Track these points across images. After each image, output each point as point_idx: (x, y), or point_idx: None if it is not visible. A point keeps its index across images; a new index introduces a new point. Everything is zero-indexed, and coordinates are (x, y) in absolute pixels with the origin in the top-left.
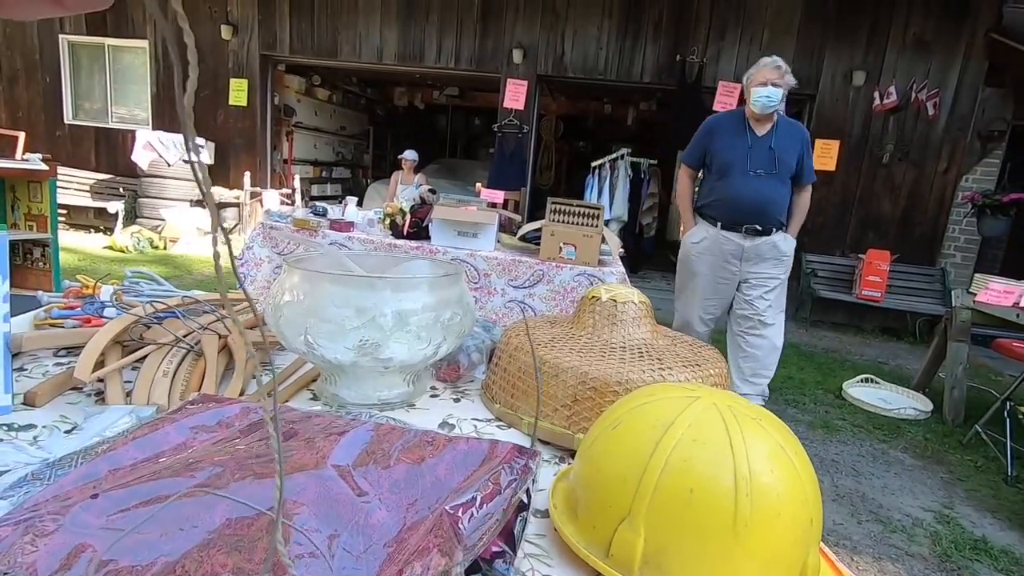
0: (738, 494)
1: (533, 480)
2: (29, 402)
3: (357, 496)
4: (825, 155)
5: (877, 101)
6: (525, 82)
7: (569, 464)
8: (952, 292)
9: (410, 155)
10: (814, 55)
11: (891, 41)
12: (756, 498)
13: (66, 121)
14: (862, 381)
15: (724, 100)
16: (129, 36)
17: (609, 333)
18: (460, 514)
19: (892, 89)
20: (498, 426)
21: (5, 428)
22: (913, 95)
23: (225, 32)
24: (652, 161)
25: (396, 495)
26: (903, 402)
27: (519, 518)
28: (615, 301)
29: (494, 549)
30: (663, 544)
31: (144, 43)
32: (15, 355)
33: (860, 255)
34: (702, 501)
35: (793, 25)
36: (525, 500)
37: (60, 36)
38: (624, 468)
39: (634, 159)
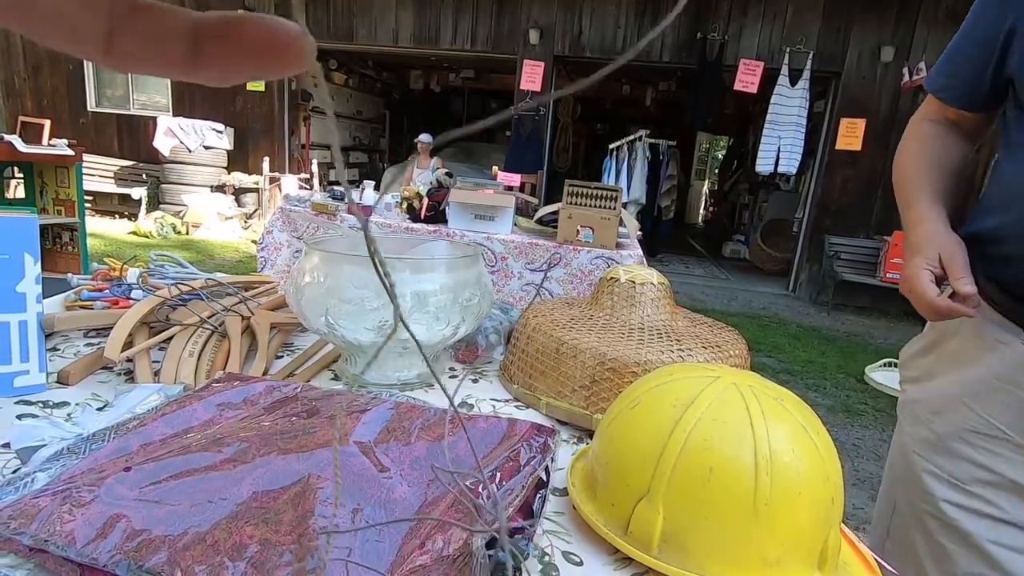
0: (758, 473)
1: (552, 458)
2: (62, 380)
3: (379, 472)
4: (850, 134)
5: (906, 78)
6: (542, 63)
7: (588, 444)
8: None
9: (425, 138)
10: (840, 31)
11: (922, 15)
12: (776, 477)
13: (89, 108)
14: (885, 365)
15: (745, 79)
16: None
17: (628, 314)
18: (480, 490)
19: (922, 65)
20: (516, 406)
21: (41, 405)
22: None
23: None
24: (671, 143)
25: (417, 471)
26: None
27: (538, 495)
28: (634, 282)
29: (514, 525)
30: (682, 523)
31: None
32: (48, 335)
33: (886, 237)
34: (722, 480)
35: None
36: (544, 478)
37: None
38: (643, 447)
39: (652, 140)
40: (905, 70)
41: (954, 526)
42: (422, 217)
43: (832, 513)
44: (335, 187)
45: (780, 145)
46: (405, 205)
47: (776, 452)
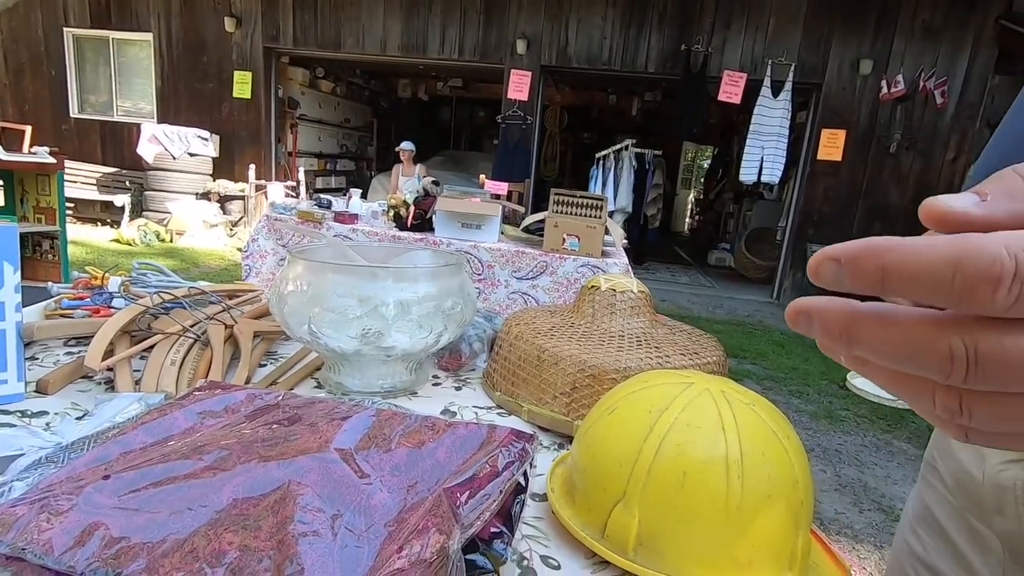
0: (730, 477)
1: (531, 464)
2: (41, 390)
3: (359, 478)
4: (831, 145)
5: (884, 90)
6: (529, 73)
7: (567, 450)
8: None
9: (407, 146)
10: (821, 44)
11: (899, 29)
12: (747, 481)
13: (72, 115)
14: None
15: (729, 90)
16: (133, 29)
17: (608, 322)
18: (458, 494)
19: (899, 78)
20: (499, 413)
21: (19, 414)
22: (921, 84)
23: (229, 24)
24: (657, 152)
25: (397, 477)
26: None
27: (517, 500)
28: (614, 291)
29: (492, 530)
30: (657, 525)
31: (148, 36)
32: (27, 344)
33: None
34: (695, 483)
35: (800, 13)
36: (523, 483)
37: (65, 29)
38: (619, 452)
39: (638, 150)
40: (883, 82)
41: (904, 571)
42: (409, 225)
43: (802, 515)
44: (321, 195)
45: (763, 155)
46: (392, 213)
47: (747, 456)
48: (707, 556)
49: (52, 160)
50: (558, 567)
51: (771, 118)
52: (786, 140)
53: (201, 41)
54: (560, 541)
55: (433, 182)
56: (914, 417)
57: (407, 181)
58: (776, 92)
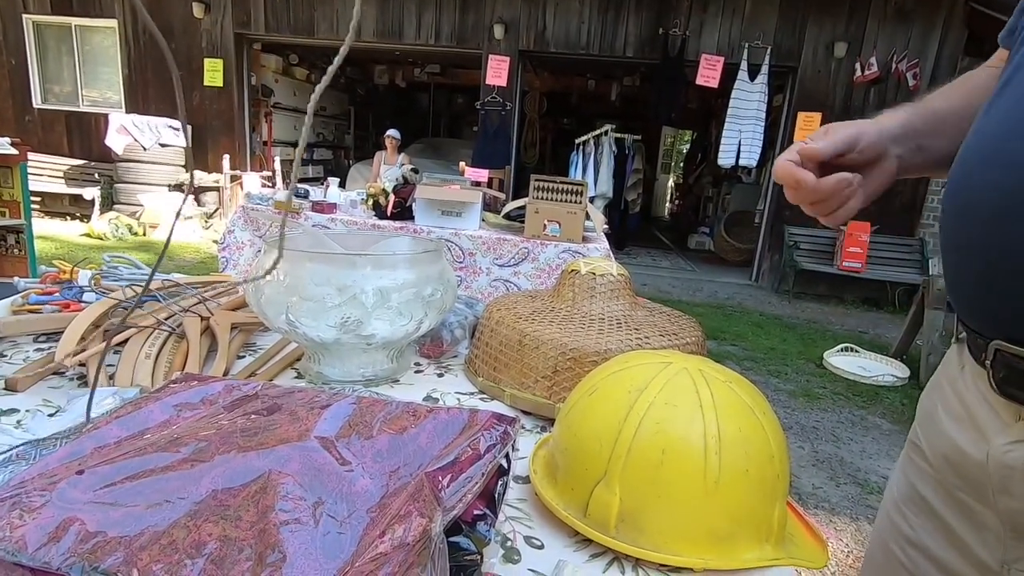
0: (707, 453)
1: (513, 446)
2: (11, 387)
3: (341, 466)
4: (808, 127)
5: (858, 72)
6: (507, 58)
7: (549, 432)
8: (930, 261)
9: (394, 133)
10: (796, 26)
11: (872, 11)
12: (725, 456)
13: (35, 105)
14: (842, 350)
15: (707, 73)
16: (97, 15)
17: (588, 305)
18: (440, 478)
19: (873, 60)
20: (481, 399)
21: None
22: (894, 66)
23: (197, 10)
24: (636, 137)
25: (379, 464)
26: (881, 369)
27: (500, 482)
28: (594, 274)
29: (476, 512)
30: (638, 502)
31: (113, 23)
32: None
33: (841, 227)
34: (674, 460)
35: None
36: (505, 465)
37: (24, 16)
38: (600, 431)
39: (618, 135)
40: (857, 65)
41: (889, 548)
42: (388, 214)
43: (778, 489)
44: (298, 185)
45: (741, 138)
46: (371, 202)
47: (724, 432)
48: (687, 530)
49: (14, 151)
50: (541, 547)
51: (748, 102)
52: (763, 123)
53: (168, 28)
54: (543, 521)
55: (412, 170)
56: (888, 393)
57: (388, 170)
58: (753, 76)
